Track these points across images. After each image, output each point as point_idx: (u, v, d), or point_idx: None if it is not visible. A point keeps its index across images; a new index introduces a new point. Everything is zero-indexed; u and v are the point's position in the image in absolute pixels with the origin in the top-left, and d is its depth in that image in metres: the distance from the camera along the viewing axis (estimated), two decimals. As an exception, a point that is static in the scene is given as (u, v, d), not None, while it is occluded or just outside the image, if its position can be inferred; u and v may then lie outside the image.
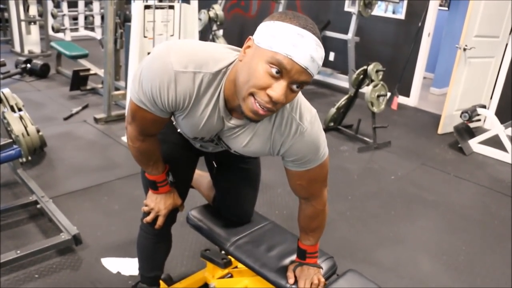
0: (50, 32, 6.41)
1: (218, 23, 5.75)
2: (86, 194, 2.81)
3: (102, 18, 7.08)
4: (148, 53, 3.45)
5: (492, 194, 3.39)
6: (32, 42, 6.19)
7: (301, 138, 1.20)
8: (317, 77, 6.09)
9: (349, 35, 5.43)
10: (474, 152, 4.20)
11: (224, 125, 1.21)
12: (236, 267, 1.90)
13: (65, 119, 4.03)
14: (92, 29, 7.76)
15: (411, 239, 2.68)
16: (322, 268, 1.50)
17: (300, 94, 1.17)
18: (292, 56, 0.97)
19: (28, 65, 5.14)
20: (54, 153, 3.33)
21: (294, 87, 1.02)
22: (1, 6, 6.75)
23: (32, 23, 6.13)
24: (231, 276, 1.91)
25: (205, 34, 5.94)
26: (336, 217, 2.81)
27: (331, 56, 6.21)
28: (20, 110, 3.15)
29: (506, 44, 4.69)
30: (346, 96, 4.30)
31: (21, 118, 3.05)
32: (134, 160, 1.46)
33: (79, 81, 4.76)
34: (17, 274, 2.06)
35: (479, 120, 4.71)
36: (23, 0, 5.93)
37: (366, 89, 4.01)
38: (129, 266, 2.16)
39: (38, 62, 5.19)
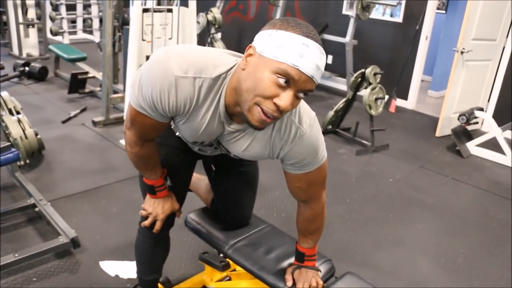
0: (49, 35, 6.41)
1: (216, 26, 5.75)
2: (84, 197, 2.81)
3: (101, 21, 7.09)
4: (147, 56, 3.48)
5: (490, 196, 3.40)
6: (30, 45, 6.20)
7: (300, 141, 1.20)
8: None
9: (347, 38, 5.45)
10: (472, 155, 4.21)
11: (224, 130, 1.22)
12: (234, 270, 1.90)
13: (63, 122, 4.03)
14: (91, 32, 7.77)
15: (410, 241, 2.69)
16: (320, 271, 1.50)
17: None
18: (299, 66, 0.97)
19: (26, 68, 5.15)
20: (52, 156, 3.33)
21: (301, 95, 1.03)
22: (0, 9, 6.75)
23: (31, 26, 6.15)
24: (230, 279, 1.91)
25: (204, 37, 5.94)
26: (334, 220, 2.81)
27: (329, 59, 6.22)
28: (18, 113, 3.14)
29: (503, 47, 4.72)
30: (344, 99, 4.31)
31: (19, 121, 3.06)
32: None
33: (77, 84, 4.76)
34: (15, 277, 2.06)
35: (477, 122, 4.72)
36: (21, 3, 5.94)
37: (364, 92, 4.02)
38: (127, 269, 2.15)
39: (36, 65, 5.20)
